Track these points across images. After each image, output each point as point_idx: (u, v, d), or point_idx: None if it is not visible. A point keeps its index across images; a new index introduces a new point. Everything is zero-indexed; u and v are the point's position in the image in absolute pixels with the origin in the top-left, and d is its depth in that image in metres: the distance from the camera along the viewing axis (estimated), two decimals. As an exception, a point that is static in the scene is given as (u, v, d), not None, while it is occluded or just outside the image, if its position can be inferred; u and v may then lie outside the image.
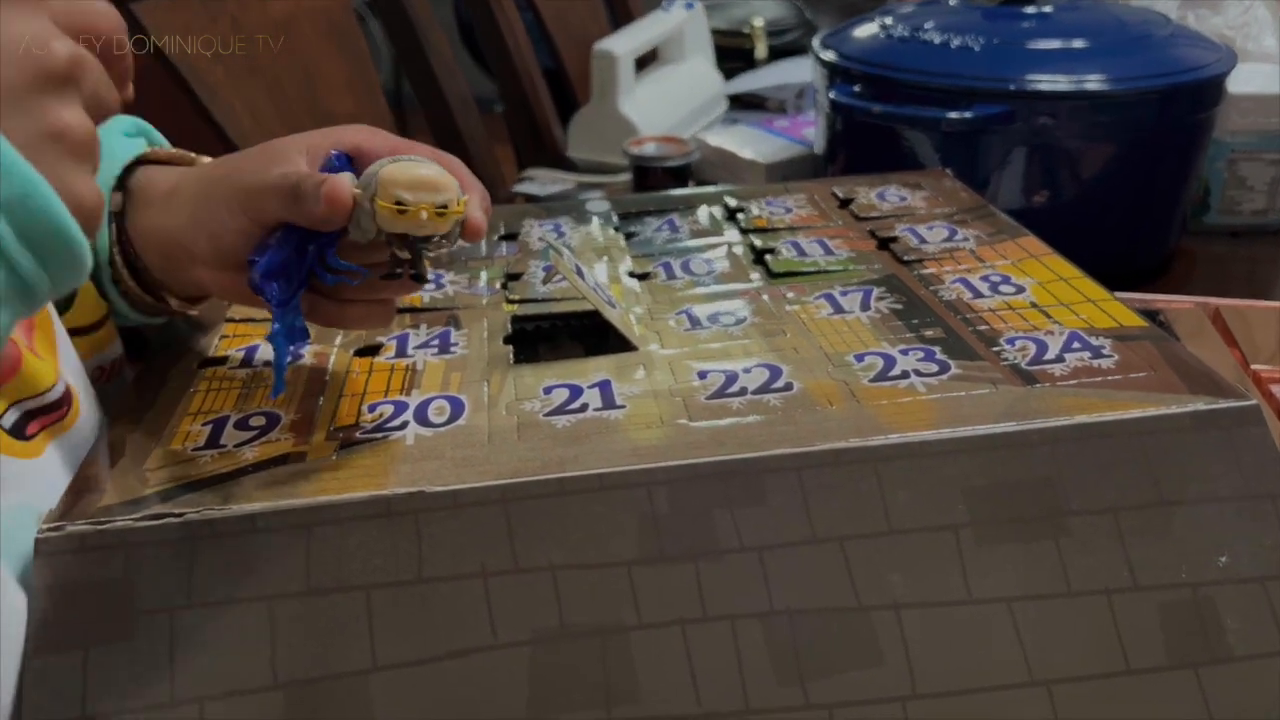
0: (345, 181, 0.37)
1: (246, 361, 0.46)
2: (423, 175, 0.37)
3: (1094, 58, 0.74)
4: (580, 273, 0.47)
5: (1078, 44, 0.76)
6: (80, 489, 0.37)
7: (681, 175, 1.01)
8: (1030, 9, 0.80)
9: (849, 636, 0.35)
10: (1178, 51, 0.77)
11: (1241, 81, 0.85)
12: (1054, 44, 0.76)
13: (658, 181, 1.01)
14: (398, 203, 0.37)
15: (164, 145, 0.48)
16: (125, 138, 0.47)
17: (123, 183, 0.44)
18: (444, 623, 0.34)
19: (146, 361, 0.47)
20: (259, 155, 0.41)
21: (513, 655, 0.34)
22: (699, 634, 0.35)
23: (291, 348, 0.41)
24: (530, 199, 1.06)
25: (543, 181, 1.11)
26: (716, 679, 0.34)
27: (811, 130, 0.95)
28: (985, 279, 0.50)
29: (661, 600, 0.35)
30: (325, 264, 0.39)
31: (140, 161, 0.45)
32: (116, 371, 0.47)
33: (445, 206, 0.37)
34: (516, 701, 0.34)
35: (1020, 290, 0.49)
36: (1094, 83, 0.73)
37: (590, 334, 0.49)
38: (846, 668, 0.35)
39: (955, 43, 0.76)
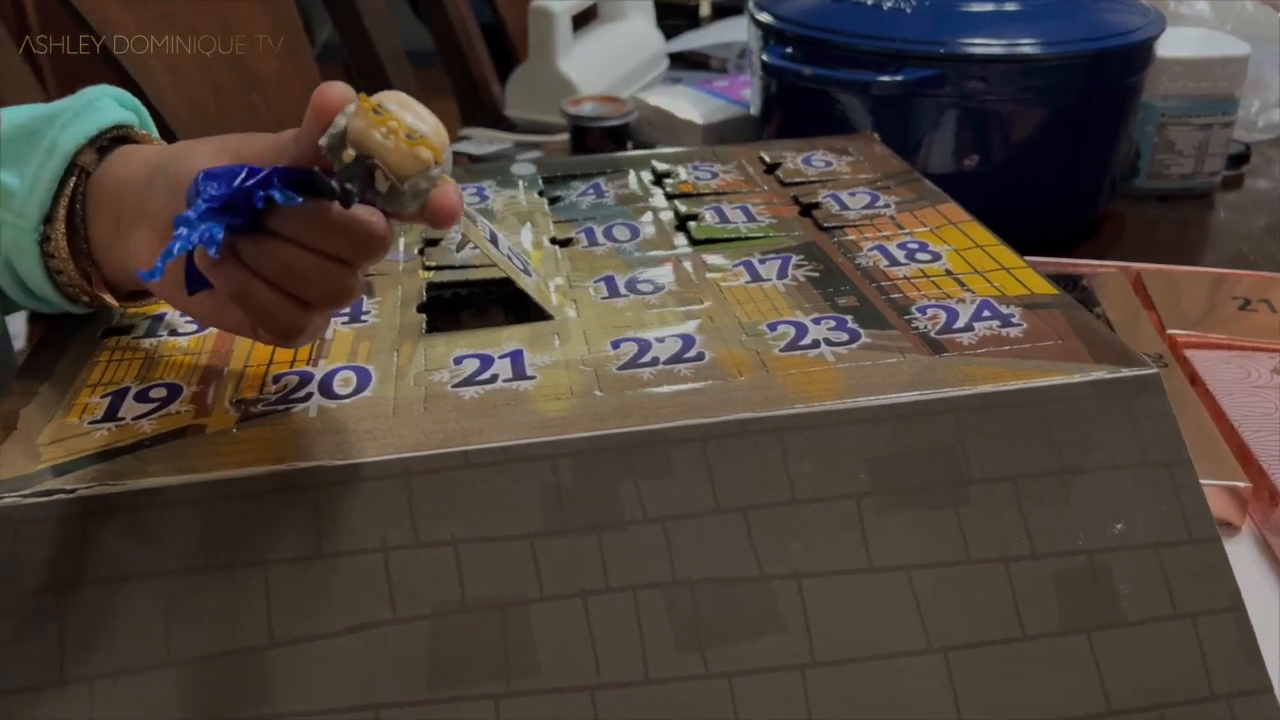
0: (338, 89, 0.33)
1: (152, 331, 0.45)
2: (419, 108, 0.34)
3: (1024, 21, 0.74)
4: (495, 239, 0.47)
5: (1009, 7, 0.76)
6: (-31, 465, 0.36)
7: (619, 135, 1.00)
8: (964, -29, 0.80)
9: (750, 605, 0.35)
10: (1107, 15, 0.77)
11: (1172, 45, 0.85)
12: (985, 7, 0.75)
13: (595, 142, 1.00)
14: (376, 109, 0.33)
15: (152, 130, 0.46)
16: (119, 106, 0.45)
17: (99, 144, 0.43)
18: (342, 598, 0.34)
19: (46, 330, 0.46)
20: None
21: (412, 629, 0.34)
22: (600, 605, 0.35)
23: (188, 248, 0.33)
24: (473, 160, 1.05)
25: (480, 141, 1.10)
26: (617, 649, 0.34)
27: (750, 91, 0.95)
28: (903, 246, 0.50)
29: (563, 572, 0.35)
30: (269, 188, 0.33)
31: (121, 139, 0.44)
32: None
33: (423, 137, 0.33)
34: (415, 676, 0.34)
35: (936, 258, 0.49)
36: (1023, 46, 0.73)
37: (516, 301, 0.49)
38: (746, 636, 0.35)
39: (887, 5, 0.76)
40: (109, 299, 0.43)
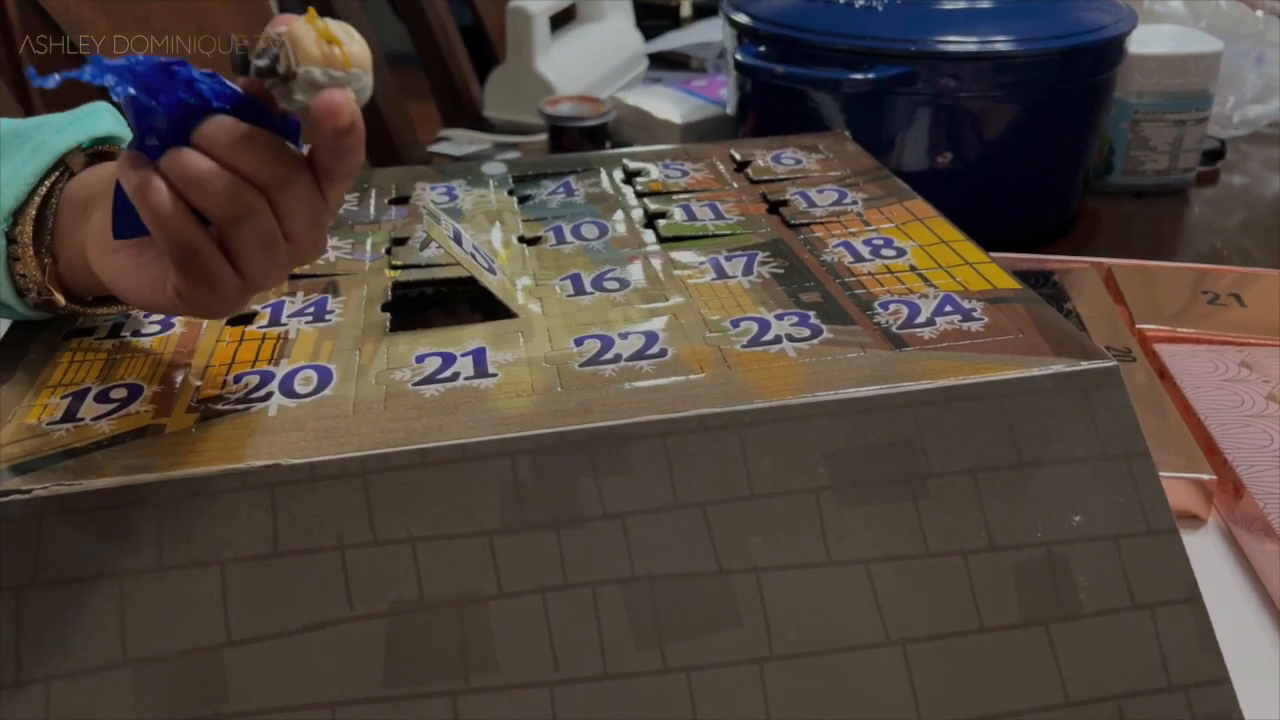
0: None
1: (114, 332, 0.45)
2: (357, 34, 0.34)
3: (995, 18, 0.75)
4: (459, 238, 0.47)
5: (980, 4, 0.76)
6: (-75, 467, 0.36)
7: (597, 135, 1.00)
8: (936, -31, 0.80)
9: (708, 600, 0.35)
10: (1079, 12, 0.77)
11: (1145, 42, 0.86)
12: (957, 4, 0.76)
13: (573, 141, 1.00)
14: (316, 15, 0.34)
15: None
16: (117, 120, 0.45)
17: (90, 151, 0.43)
18: (299, 596, 0.34)
19: (7, 333, 0.46)
20: None
21: (369, 627, 0.34)
22: (559, 601, 0.35)
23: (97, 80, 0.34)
24: (453, 160, 1.05)
25: (459, 142, 1.10)
26: (575, 645, 0.34)
27: (726, 90, 0.95)
28: (868, 242, 0.50)
29: (522, 569, 0.35)
30: (199, 83, 0.34)
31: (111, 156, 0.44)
32: None
33: (341, 42, 0.33)
34: (372, 674, 0.33)
35: (901, 253, 0.49)
36: (994, 43, 0.73)
37: (484, 299, 0.49)
38: (705, 631, 0.35)
39: (859, 3, 0.76)
40: (57, 296, 0.43)
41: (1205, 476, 0.50)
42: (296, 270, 0.50)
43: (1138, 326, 0.62)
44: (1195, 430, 0.53)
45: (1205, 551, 0.49)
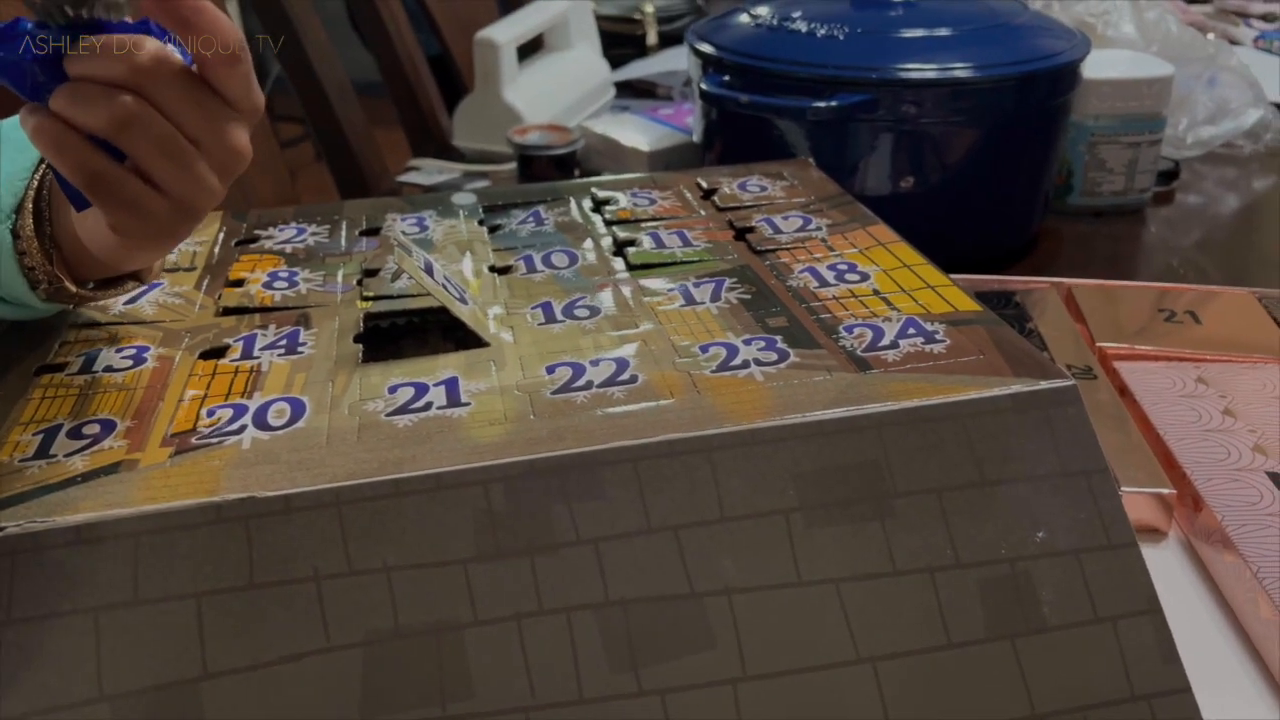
0: None
1: (86, 368, 0.45)
2: None
3: (954, 46, 0.77)
4: (430, 269, 0.47)
5: (940, 32, 0.78)
6: (-104, 506, 0.36)
7: (566, 164, 1.01)
8: (895, -2, 0.82)
9: (682, 623, 0.36)
10: (1033, 39, 0.79)
11: (1100, 67, 0.88)
12: (917, 32, 0.77)
13: (542, 170, 1.01)
14: None
15: None
16: None
17: None
18: (276, 628, 0.34)
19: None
20: None
21: (346, 657, 0.34)
22: (534, 627, 0.35)
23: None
24: (423, 190, 1.05)
25: (429, 171, 1.10)
26: (551, 670, 0.35)
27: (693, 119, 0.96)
28: (833, 267, 0.51)
29: (497, 596, 0.35)
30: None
31: None
32: None
33: None
34: (349, 703, 0.34)
35: (865, 278, 0.50)
36: (953, 70, 0.75)
37: (456, 329, 0.49)
38: (679, 653, 0.35)
39: (821, 32, 0.77)
40: (67, 283, 0.44)
41: (1165, 491, 0.51)
42: (269, 303, 0.50)
43: (1098, 345, 0.63)
44: (1155, 445, 0.54)
45: (1166, 564, 0.50)
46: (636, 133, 1.02)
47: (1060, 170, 0.91)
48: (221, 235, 0.59)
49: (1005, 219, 0.84)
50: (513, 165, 1.04)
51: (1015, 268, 0.84)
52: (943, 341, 0.44)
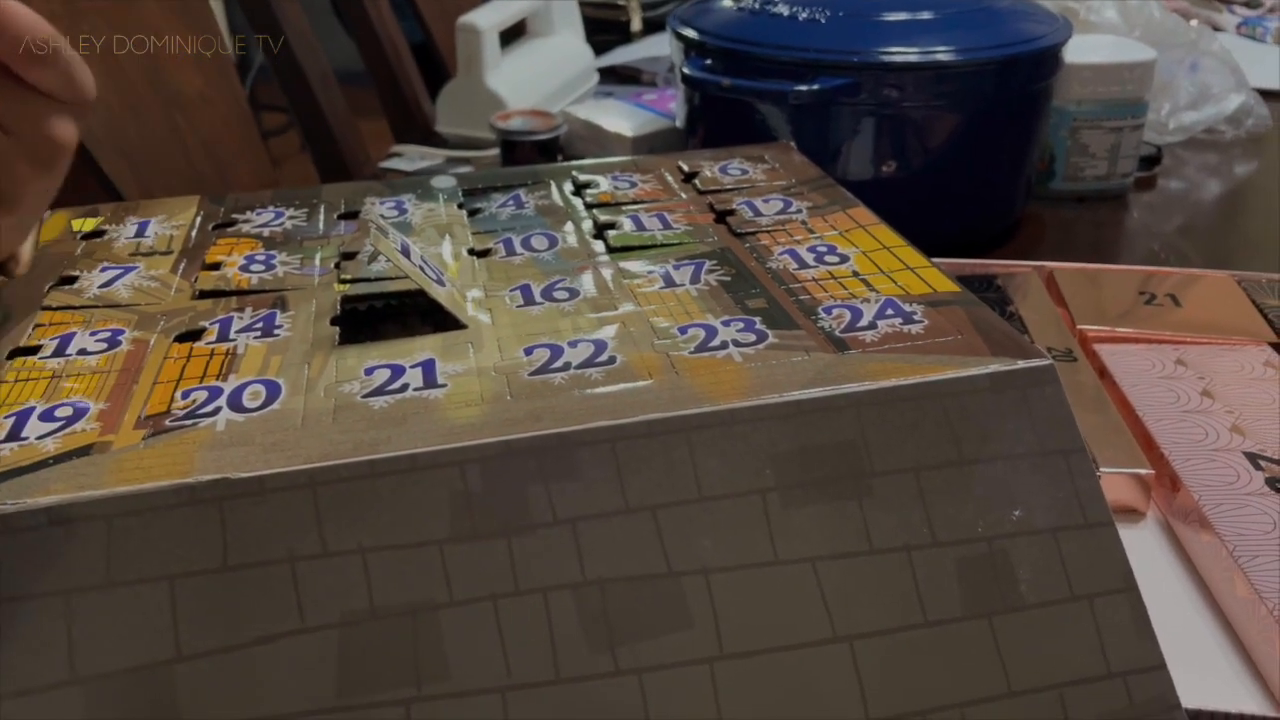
0: None
1: (60, 350, 0.45)
2: None
3: (936, 29, 0.76)
4: (407, 251, 0.47)
5: (922, 16, 0.78)
6: None
7: (549, 149, 1.01)
8: (878, -18, 0.82)
9: (659, 602, 0.36)
10: (1015, 23, 0.79)
11: (1082, 52, 0.88)
12: (899, 16, 0.77)
13: (525, 156, 1.00)
14: None
15: None
16: None
17: None
18: (250, 610, 0.34)
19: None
20: None
21: (321, 639, 0.34)
22: (510, 608, 0.35)
23: None
24: (407, 175, 1.05)
25: (411, 158, 1.10)
26: (528, 651, 0.35)
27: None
28: (812, 249, 0.51)
29: (473, 577, 0.35)
30: None
31: None
32: None
33: None
34: (325, 684, 0.34)
35: (844, 260, 0.50)
36: (935, 53, 0.75)
37: (436, 312, 0.49)
38: (656, 633, 0.35)
39: (803, 15, 0.77)
40: None
41: (1143, 471, 0.51)
42: (245, 286, 0.50)
43: (1079, 327, 0.63)
44: (1134, 426, 0.54)
45: (1145, 544, 0.51)
46: (620, 118, 1.02)
47: (1042, 155, 0.91)
48: (199, 219, 0.58)
49: (987, 203, 0.84)
50: (496, 151, 1.03)
51: (997, 252, 0.84)
52: (921, 322, 0.44)
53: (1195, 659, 0.45)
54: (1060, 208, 0.93)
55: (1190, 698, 0.38)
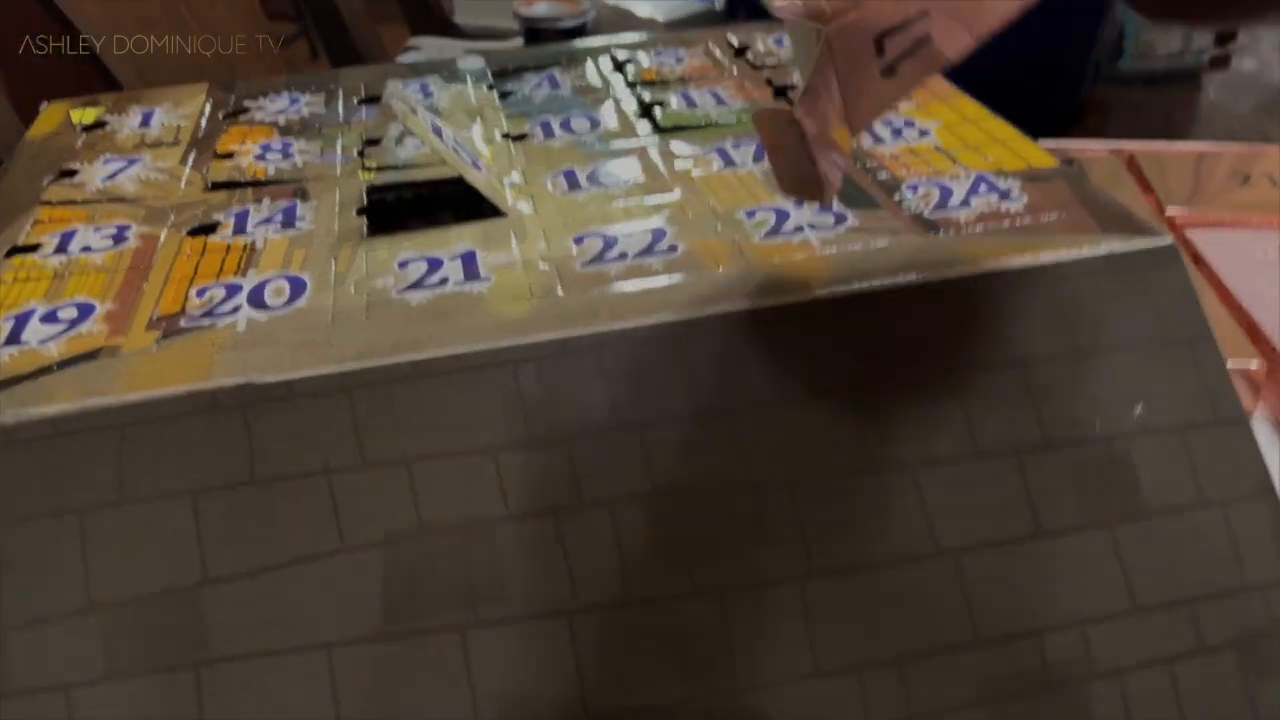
0: None
1: (62, 248, 0.40)
2: None
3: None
4: (439, 132, 0.42)
5: (987, -126, 0.70)
6: None
7: (576, 37, 0.95)
8: None
9: (738, 516, 0.32)
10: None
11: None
12: (962, -126, 0.70)
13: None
14: None
15: None
16: None
17: None
18: (283, 527, 0.30)
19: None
20: None
21: (364, 559, 0.30)
22: (574, 521, 0.31)
23: None
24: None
25: (429, 50, 1.04)
26: (594, 569, 0.31)
27: (712, -17, 0.89)
28: (887, 123, 0.46)
29: (531, 488, 0.31)
30: None
31: None
32: None
33: None
34: (371, 610, 0.30)
35: (925, 134, 0.45)
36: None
37: (466, 204, 0.44)
38: (737, 550, 0.32)
39: (858, -125, 0.70)
40: None
41: (1253, 365, 0.46)
42: (261, 176, 0.46)
43: (1168, 213, 0.58)
44: (1237, 317, 0.50)
45: (1253, 445, 0.46)
46: (651, 1, 0.95)
47: (1112, 31, 0.84)
48: (208, 107, 0.53)
49: (1053, 84, 0.78)
50: (518, 41, 0.97)
51: (1062, 137, 0.78)
52: (1019, 199, 0.39)
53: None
54: (1129, 89, 0.87)
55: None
